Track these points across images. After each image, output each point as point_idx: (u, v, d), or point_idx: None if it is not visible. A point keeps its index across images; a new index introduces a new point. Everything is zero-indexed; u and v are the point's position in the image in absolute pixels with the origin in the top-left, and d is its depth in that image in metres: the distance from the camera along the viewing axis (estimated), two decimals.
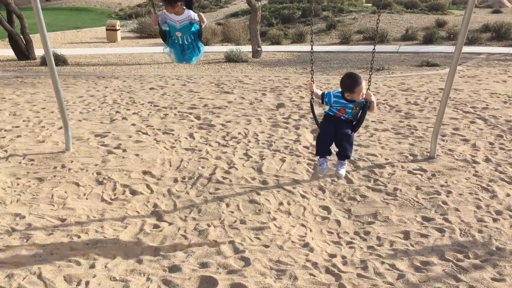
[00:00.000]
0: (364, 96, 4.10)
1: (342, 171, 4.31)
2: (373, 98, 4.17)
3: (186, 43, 5.04)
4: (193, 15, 4.84)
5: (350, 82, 4.07)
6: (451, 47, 16.46)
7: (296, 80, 11.27)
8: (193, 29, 4.98)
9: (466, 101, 8.91)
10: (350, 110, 4.19)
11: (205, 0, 32.20)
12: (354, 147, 6.41)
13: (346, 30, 19.91)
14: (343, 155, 4.25)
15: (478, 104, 8.68)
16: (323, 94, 4.32)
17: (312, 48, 4.65)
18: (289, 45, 19.05)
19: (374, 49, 4.43)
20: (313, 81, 4.46)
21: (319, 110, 4.56)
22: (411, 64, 13.65)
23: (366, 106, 4.15)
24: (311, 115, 7.86)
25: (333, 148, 4.31)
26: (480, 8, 24.73)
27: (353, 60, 14.97)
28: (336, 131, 4.19)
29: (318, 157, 4.37)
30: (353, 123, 4.27)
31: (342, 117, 4.23)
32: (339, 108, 4.20)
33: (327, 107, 4.36)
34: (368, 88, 4.18)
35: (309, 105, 4.55)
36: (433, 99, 9.13)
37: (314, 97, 4.44)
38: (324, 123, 4.30)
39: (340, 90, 4.20)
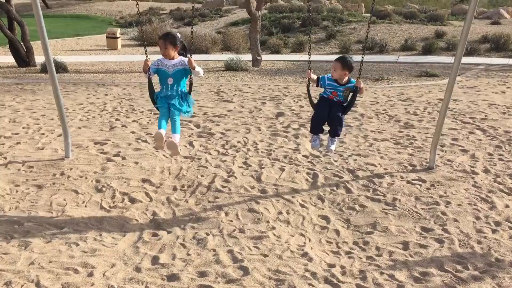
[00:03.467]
0: (345, 77, 4.81)
1: (333, 147, 5.03)
2: (362, 85, 4.85)
3: (175, 93, 4.82)
4: (185, 60, 4.79)
5: (340, 56, 4.97)
6: (450, 58, 16.53)
7: (296, 89, 11.30)
8: (183, 86, 4.86)
9: (465, 111, 8.94)
10: (341, 93, 4.85)
11: (205, 9, 32.35)
12: (354, 157, 6.44)
13: (346, 40, 20.00)
14: (334, 134, 4.98)
15: (477, 114, 8.71)
16: (318, 78, 4.97)
17: (309, 42, 5.39)
18: (289, 54, 19.11)
19: (366, 37, 5.12)
20: (310, 69, 4.99)
21: (314, 92, 5.28)
22: (410, 74, 13.69)
23: (356, 91, 4.83)
24: (309, 123, 7.88)
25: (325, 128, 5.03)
26: (479, 19, 24.86)
27: None
28: (328, 113, 4.87)
29: (312, 134, 5.07)
30: (344, 105, 4.90)
31: (334, 99, 4.89)
32: (331, 91, 4.88)
33: (322, 90, 5.02)
34: (359, 77, 4.83)
35: (306, 89, 5.19)
36: (432, 109, 9.16)
37: (310, 82, 5.07)
38: (319, 105, 4.96)
39: None
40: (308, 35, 21.81)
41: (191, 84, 5.00)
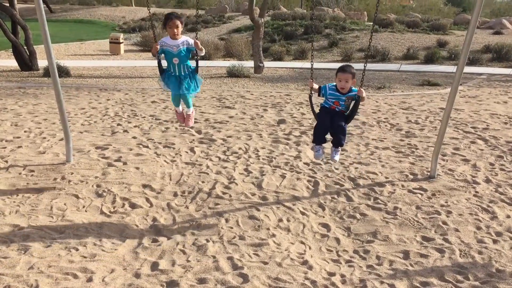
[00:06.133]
0: (346, 86, 4.76)
1: (337, 157, 5.06)
2: (364, 94, 4.86)
3: (183, 74, 5.14)
4: (189, 40, 5.04)
5: (344, 66, 4.86)
6: (452, 67, 16.55)
7: (298, 96, 11.31)
8: (188, 63, 5.14)
9: (467, 121, 8.94)
10: (343, 103, 4.84)
11: (208, 15, 32.46)
12: (355, 165, 6.44)
13: (348, 48, 20.05)
14: (338, 144, 4.99)
15: (478, 124, 8.70)
16: (319, 87, 4.99)
17: (312, 51, 5.56)
18: (291, 62, 19.15)
19: (369, 42, 5.19)
20: (312, 79, 5.06)
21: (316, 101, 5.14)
22: (412, 83, 13.70)
23: (358, 100, 4.83)
24: (311, 131, 7.89)
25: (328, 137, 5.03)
26: (481, 29, 24.92)
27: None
28: (331, 123, 4.88)
29: (314, 144, 5.07)
30: (346, 115, 4.92)
31: (336, 109, 4.90)
32: (333, 100, 4.88)
33: (323, 99, 5.01)
34: (361, 86, 4.87)
35: (308, 99, 5.17)
36: (433, 118, 9.16)
37: (313, 92, 5.06)
38: (321, 115, 4.97)
39: (334, 83, 4.88)
40: (310, 42, 21.96)
41: (197, 63, 5.20)
